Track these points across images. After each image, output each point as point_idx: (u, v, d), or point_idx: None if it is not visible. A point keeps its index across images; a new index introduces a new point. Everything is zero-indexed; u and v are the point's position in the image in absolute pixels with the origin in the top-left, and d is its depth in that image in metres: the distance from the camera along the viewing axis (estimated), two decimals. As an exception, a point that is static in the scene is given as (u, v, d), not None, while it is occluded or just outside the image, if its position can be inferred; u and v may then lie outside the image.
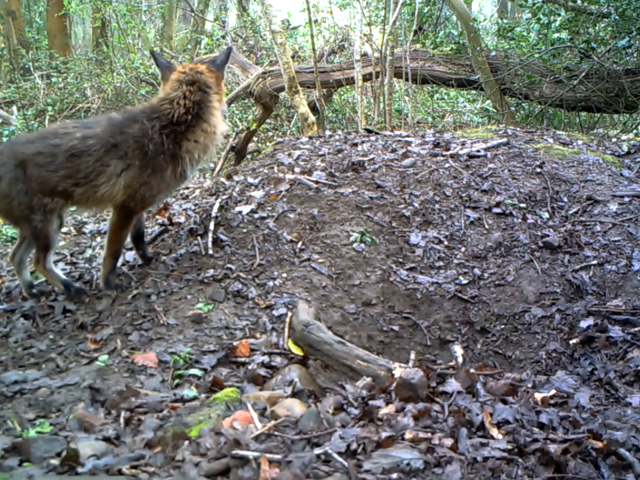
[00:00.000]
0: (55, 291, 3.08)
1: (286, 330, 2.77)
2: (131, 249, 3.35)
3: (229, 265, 3.13)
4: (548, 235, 3.39)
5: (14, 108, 9.84)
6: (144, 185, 2.88)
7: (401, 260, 3.29)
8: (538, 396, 1.90)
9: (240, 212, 3.48)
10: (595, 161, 4.31)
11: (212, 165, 9.61)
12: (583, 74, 6.98)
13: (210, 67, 3.02)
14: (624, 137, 6.55)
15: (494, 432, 1.66)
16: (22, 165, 2.83)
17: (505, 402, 1.82)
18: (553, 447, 1.57)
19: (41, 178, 2.83)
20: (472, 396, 1.85)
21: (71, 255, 3.47)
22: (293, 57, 8.57)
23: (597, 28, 7.71)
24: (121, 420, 2.00)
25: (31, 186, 2.83)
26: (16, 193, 2.84)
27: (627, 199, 3.70)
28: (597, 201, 3.73)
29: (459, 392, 1.85)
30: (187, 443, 1.63)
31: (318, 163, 4.04)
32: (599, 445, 1.62)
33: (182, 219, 3.51)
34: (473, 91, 9.30)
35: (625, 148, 4.87)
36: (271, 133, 11.47)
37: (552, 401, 1.93)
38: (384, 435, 1.59)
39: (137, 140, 2.84)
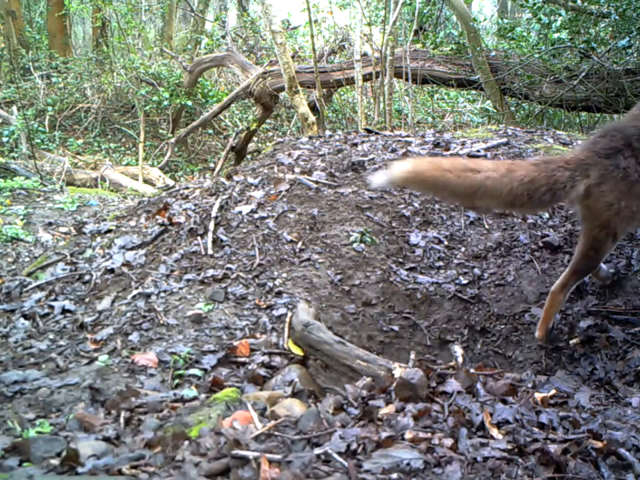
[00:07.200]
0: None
1: (286, 330, 2.77)
2: (131, 249, 3.35)
3: (229, 265, 3.13)
4: (548, 235, 3.39)
5: (14, 108, 9.85)
6: None
7: (401, 260, 3.28)
8: (538, 396, 1.90)
9: (240, 212, 3.48)
10: (595, 161, 4.30)
11: (212, 165, 9.62)
12: (583, 74, 6.99)
13: None
14: (624, 137, 6.53)
15: (494, 432, 1.66)
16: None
17: (505, 402, 1.82)
18: (553, 447, 1.57)
19: None
20: (472, 396, 1.85)
21: (71, 255, 3.47)
22: (293, 57, 8.57)
23: (597, 28, 7.72)
24: (121, 420, 2.00)
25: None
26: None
27: (627, 199, 3.69)
28: (597, 201, 3.72)
29: (459, 392, 1.84)
30: (187, 443, 1.63)
31: (318, 163, 4.03)
32: (599, 444, 1.62)
33: (182, 219, 3.51)
34: (473, 91, 9.31)
35: (625, 148, 4.85)
36: (270, 133, 11.49)
37: (552, 401, 1.93)
38: (384, 434, 1.59)
39: None
